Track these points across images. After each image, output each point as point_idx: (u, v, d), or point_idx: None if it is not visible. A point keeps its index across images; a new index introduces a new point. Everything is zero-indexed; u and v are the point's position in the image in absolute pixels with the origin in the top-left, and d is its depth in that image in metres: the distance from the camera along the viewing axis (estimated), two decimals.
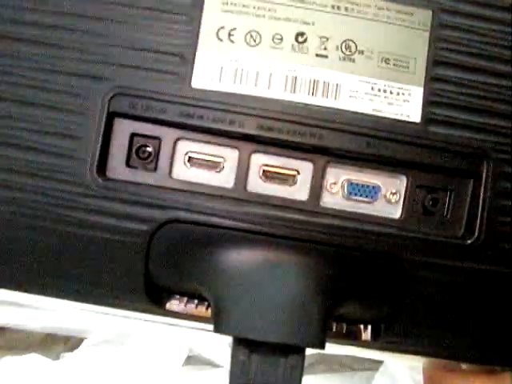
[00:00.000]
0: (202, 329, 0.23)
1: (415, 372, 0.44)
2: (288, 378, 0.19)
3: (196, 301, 0.21)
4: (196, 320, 0.21)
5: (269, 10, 0.20)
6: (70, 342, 0.47)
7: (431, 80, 0.20)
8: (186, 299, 0.21)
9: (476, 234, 0.20)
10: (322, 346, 0.19)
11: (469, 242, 0.20)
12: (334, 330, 0.22)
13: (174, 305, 0.21)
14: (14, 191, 0.19)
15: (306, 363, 0.48)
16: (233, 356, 0.19)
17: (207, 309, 0.21)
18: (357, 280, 0.20)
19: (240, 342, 0.19)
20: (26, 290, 0.21)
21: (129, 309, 0.21)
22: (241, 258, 0.19)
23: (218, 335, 0.19)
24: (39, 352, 0.45)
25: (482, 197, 0.20)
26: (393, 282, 0.20)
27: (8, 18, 0.20)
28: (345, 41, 0.20)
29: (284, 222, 0.19)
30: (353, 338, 0.22)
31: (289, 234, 0.20)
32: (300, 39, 0.20)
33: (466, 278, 0.20)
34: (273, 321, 0.19)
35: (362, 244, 0.20)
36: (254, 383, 0.19)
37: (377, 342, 0.21)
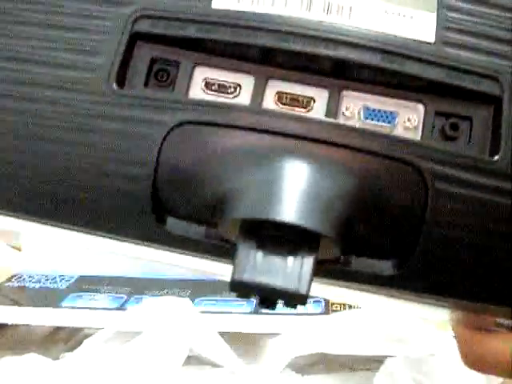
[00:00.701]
0: (206, 270, 0.23)
1: (415, 372, 0.45)
2: (295, 270, 0.18)
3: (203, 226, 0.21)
4: (203, 252, 0.21)
5: None
6: (70, 342, 0.49)
7: (443, 7, 0.21)
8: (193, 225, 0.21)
9: (501, 152, 0.20)
10: (339, 240, 0.19)
11: (494, 158, 0.20)
12: (355, 260, 0.21)
13: (180, 226, 0.21)
14: (38, 103, 0.21)
15: (306, 363, 0.49)
16: (237, 245, 0.18)
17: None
18: (377, 190, 0.20)
19: (248, 230, 0.18)
20: (28, 212, 0.22)
21: (135, 235, 0.21)
22: (258, 148, 0.20)
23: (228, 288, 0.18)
24: (39, 352, 0.45)
25: (503, 124, 0.20)
26: (415, 198, 0.20)
27: None
28: None
29: (304, 126, 0.20)
30: (368, 273, 0.21)
31: (309, 134, 0.20)
32: None
33: (492, 196, 0.20)
34: (285, 204, 0.18)
35: (384, 151, 0.20)
36: (260, 272, 0.18)
37: (397, 280, 0.21)
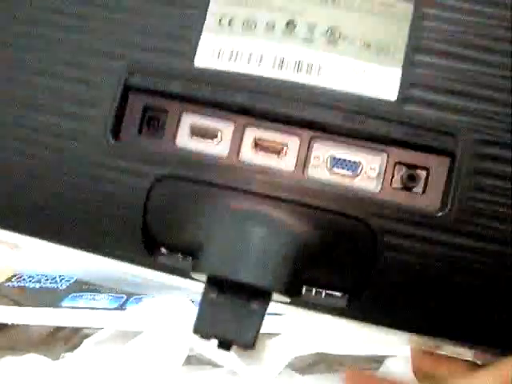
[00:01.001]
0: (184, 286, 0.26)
1: None
2: (246, 322, 0.21)
3: (187, 256, 0.25)
4: (183, 275, 0.24)
5: (265, 1, 0.24)
6: (70, 342, 0.50)
7: (409, 64, 0.23)
8: (180, 255, 0.25)
9: (449, 208, 0.22)
10: (289, 293, 0.22)
11: (441, 214, 0.22)
12: (307, 294, 0.24)
13: (168, 258, 0.25)
14: (38, 148, 0.24)
15: (307, 363, 0.49)
16: (204, 293, 0.22)
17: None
18: (331, 242, 0.23)
19: (212, 282, 0.22)
20: (34, 234, 0.25)
21: (126, 259, 0.24)
22: (224, 209, 0.23)
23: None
24: (39, 352, 0.46)
25: (456, 175, 0.22)
26: (366, 249, 0.23)
27: (43, 7, 0.25)
28: (330, 28, 0.24)
29: (268, 183, 0.23)
30: (326, 304, 0.24)
31: (271, 193, 0.23)
32: (290, 26, 0.24)
33: (438, 249, 0.22)
34: (243, 263, 0.21)
35: (339, 207, 0.23)
36: (219, 319, 0.21)
37: (350, 311, 0.24)
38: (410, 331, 0.24)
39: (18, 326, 0.50)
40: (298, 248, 0.22)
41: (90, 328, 0.49)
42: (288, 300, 0.22)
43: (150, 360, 0.46)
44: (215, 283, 0.22)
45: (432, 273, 0.23)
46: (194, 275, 0.23)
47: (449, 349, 0.26)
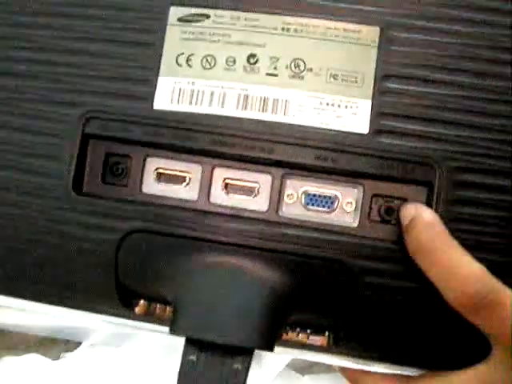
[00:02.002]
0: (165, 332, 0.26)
1: None
2: (233, 379, 0.21)
3: (162, 305, 0.24)
4: (161, 324, 0.24)
5: (223, 35, 0.23)
6: (70, 342, 0.50)
7: (379, 93, 0.22)
8: (155, 304, 0.24)
9: None
10: (270, 348, 0.21)
11: None
12: (288, 335, 0.24)
13: (142, 309, 0.24)
14: (4, 204, 0.23)
15: (307, 363, 0.49)
16: (183, 355, 0.21)
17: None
18: (310, 287, 0.22)
19: (191, 342, 0.21)
20: (5, 293, 0.24)
21: (101, 312, 0.24)
22: (198, 264, 0.22)
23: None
24: (39, 352, 0.47)
25: (435, 205, 0.22)
26: (346, 290, 0.22)
27: None
28: (294, 60, 0.23)
29: (242, 232, 0.22)
30: (309, 343, 0.24)
31: (245, 242, 0.22)
32: (252, 60, 0.23)
33: (417, 285, 0.22)
34: (222, 323, 0.21)
35: (316, 252, 0.22)
36: (201, 383, 0.21)
37: (335, 349, 0.23)
38: (394, 363, 0.23)
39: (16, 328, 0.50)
40: (278, 300, 0.22)
41: (89, 328, 0.50)
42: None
43: (150, 360, 0.46)
44: (194, 343, 0.21)
45: (414, 307, 0.22)
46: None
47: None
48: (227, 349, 0.21)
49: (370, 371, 0.24)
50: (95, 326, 0.47)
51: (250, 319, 0.21)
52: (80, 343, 0.50)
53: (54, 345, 0.51)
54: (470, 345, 0.22)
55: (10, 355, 0.47)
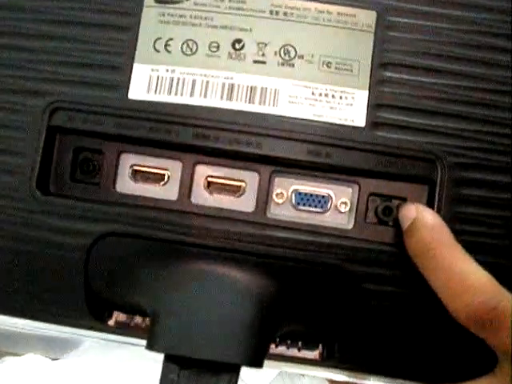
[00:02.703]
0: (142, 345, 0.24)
1: None
2: None
3: (138, 317, 0.22)
4: (139, 337, 0.22)
5: (205, 18, 0.21)
6: (70, 342, 0.50)
7: (376, 82, 0.21)
8: (128, 316, 0.22)
9: None
10: (259, 365, 0.19)
11: None
12: (280, 348, 0.22)
13: (116, 321, 0.22)
14: None
15: None
16: (162, 373, 0.19)
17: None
18: (302, 296, 0.20)
19: (170, 359, 0.19)
20: None
21: (70, 325, 0.21)
22: (177, 271, 0.20)
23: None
24: (39, 352, 0.47)
25: (437, 204, 0.20)
26: (342, 298, 0.20)
27: None
28: (284, 46, 0.21)
29: (227, 235, 0.20)
30: (303, 357, 0.22)
31: (229, 246, 0.20)
32: (237, 46, 0.21)
33: (417, 292, 0.20)
34: (204, 337, 0.19)
35: (309, 257, 0.20)
36: None
37: (329, 362, 0.21)
38: (392, 377, 0.22)
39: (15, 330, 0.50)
40: (267, 310, 0.20)
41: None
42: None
43: (150, 360, 0.46)
44: (174, 360, 0.19)
45: (414, 316, 0.21)
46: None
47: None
48: (211, 366, 0.19)
49: None
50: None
51: (235, 332, 0.19)
52: (80, 343, 0.50)
53: (54, 345, 0.51)
54: (473, 356, 0.20)
55: (10, 355, 0.46)
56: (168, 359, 0.19)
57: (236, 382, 0.19)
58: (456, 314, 0.19)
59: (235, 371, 0.19)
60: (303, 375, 0.46)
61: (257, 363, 0.19)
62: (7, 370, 0.48)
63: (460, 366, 0.21)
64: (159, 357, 0.45)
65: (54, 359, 0.49)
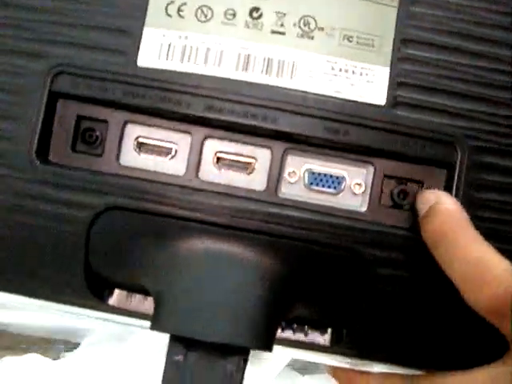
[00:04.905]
0: (145, 327, 0.22)
1: None
2: (226, 383, 0.18)
3: (139, 296, 0.21)
4: (140, 317, 0.20)
5: None
6: (70, 342, 0.48)
7: (398, 59, 0.19)
8: (131, 294, 0.21)
9: None
10: (269, 348, 0.18)
11: None
12: (287, 332, 0.21)
13: (116, 300, 0.21)
14: None
15: (306, 363, 0.47)
16: (168, 355, 0.18)
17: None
18: (313, 278, 0.19)
19: (177, 340, 0.18)
20: None
21: (69, 303, 0.20)
22: (184, 249, 0.19)
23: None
24: (39, 352, 0.45)
25: (455, 189, 0.19)
26: (354, 281, 0.19)
27: None
28: (303, 17, 0.19)
29: (235, 212, 0.19)
30: (310, 342, 0.21)
31: (238, 224, 0.19)
32: (255, 15, 0.19)
33: (435, 278, 0.19)
34: (212, 318, 0.18)
35: (321, 238, 0.19)
36: None
37: (337, 348, 0.20)
38: (400, 364, 0.20)
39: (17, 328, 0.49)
40: (277, 291, 0.18)
41: (89, 328, 0.47)
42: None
43: (151, 359, 0.44)
44: (180, 341, 0.18)
45: (427, 302, 0.19)
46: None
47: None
48: (219, 348, 0.17)
49: (366, 371, 0.21)
50: (93, 326, 0.46)
51: (245, 314, 0.18)
52: (80, 343, 0.48)
53: (54, 345, 0.50)
54: (482, 344, 0.19)
55: (10, 355, 0.45)
56: (173, 340, 0.18)
57: (245, 365, 0.18)
58: (475, 303, 0.18)
59: (244, 354, 0.18)
60: (303, 375, 0.45)
61: (267, 346, 0.18)
62: (7, 369, 0.46)
63: (469, 352, 0.20)
64: (159, 357, 0.43)
65: (54, 359, 0.48)
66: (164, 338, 0.45)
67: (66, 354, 0.47)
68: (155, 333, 0.47)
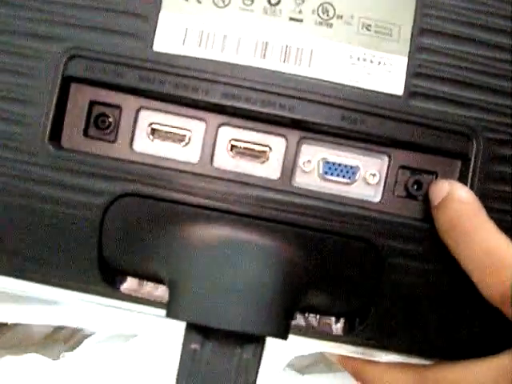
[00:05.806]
0: (158, 315, 0.22)
1: None
2: (242, 372, 0.17)
3: (152, 284, 0.20)
4: (152, 305, 0.20)
5: None
6: (70, 342, 0.48)
7: (416, 49, 0.19)
8: (142, 282, 0.20)
9: None
10: (284, 337, 0.18)
11: None
12: (302, 321, 0.21)
13: (129, 287, 0.20)
14: None
15: (307, 363, 0.47)
16: (184, 343, 0.18)
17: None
18: (327, 267, 0.19)
19: (193, 328, 0.18)
20: None
21: (81, 290, 0.20)
22: (199, 237, 0.18)
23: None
24: (39, 352, 0.45)
25: (470, 181, 0.19)
26: (367, 271, 0.19)
27: None
28: (322, 4, 0.19)
29: (249, 200, 0.19)
30: (323, 331, 0.20)
31: (253, 212, 0.19)
32: (273, 1, 0.19)
33: (449, 269, 0.19)
34: (228, 306, 0.17)
35: (335, 227, 0.19)
36: (205, 375, 0.17)
37: (350, 337, 0.20)
38: (411, 353, 0.20)
39: (17, 325, 0.49)
40: (293, 280, 0.18)
41: (89, 328, 0.47)
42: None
43: (150, 359, 0.45)
44: (197, 329, 0.18)
45: (440, 293, 0.19)
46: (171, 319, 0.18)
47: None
48: (236, 336, 0.17)
49: (374, 361, 0.21)
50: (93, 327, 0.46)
51: (261, 302, 0.18)
52: (80, 343, 0.48)
53: (54, 345, 0.50)
54: (495, 334, 0.19)
55: (10, 355, 0.45)
56: (190, 328, 0.18)
57: (261, 353, 0.18)
58: (487, 291, 0.18)
59: (261, 343, 0.18)
60: (303, 375, 0.44)
61: (283, 335, 0.18)
62: (7, 369, 0.46)
63: (481, 342, 0.19)
64: (159, 357, 0.42)
65: (54, 359, 0.48)
66: (164, 339, 0.45)
67: (66, 354, 0.47)
68: (155, 333, 0.47)
